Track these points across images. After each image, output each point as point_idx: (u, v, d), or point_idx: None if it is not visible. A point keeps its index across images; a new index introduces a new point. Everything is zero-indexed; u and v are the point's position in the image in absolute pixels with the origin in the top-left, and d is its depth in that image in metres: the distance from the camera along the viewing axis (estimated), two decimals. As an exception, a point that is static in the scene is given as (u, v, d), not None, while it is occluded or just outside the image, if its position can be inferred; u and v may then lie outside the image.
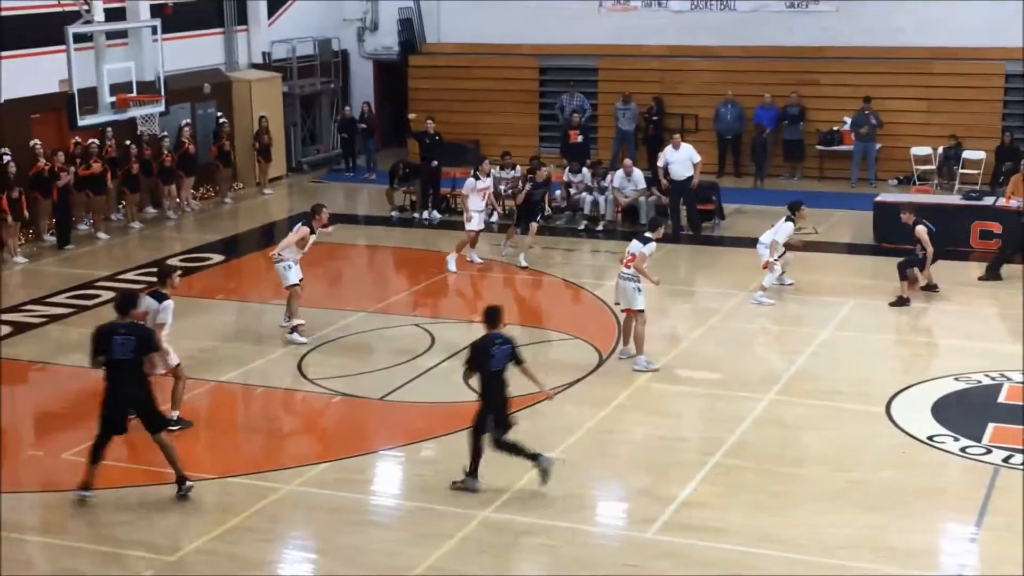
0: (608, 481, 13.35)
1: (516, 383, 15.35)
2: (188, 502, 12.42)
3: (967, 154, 26.70)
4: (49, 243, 23.23)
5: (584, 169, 24.76)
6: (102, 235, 23.80)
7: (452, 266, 20.97)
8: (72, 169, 23.01)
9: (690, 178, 23.10)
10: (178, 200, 25.99)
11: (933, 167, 27.13)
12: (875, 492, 12.61)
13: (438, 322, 18.28)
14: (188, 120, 26.36)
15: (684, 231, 23.36)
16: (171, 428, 14.13)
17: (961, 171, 26.66)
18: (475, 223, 21.09)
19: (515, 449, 12.49)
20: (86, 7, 21.31)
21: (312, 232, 17.30)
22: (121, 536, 11.77)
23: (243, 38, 29.32)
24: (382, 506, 12.78)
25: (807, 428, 14.40)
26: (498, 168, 24.01)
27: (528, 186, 22.09)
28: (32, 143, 22.69)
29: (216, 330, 18.30)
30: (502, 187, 24.11)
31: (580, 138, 27.47)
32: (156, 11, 25.05)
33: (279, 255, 17.32)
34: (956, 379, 15.72)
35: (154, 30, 22.85)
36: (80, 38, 20.58)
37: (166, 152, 25.38)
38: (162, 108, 22.76)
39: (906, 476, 13.01)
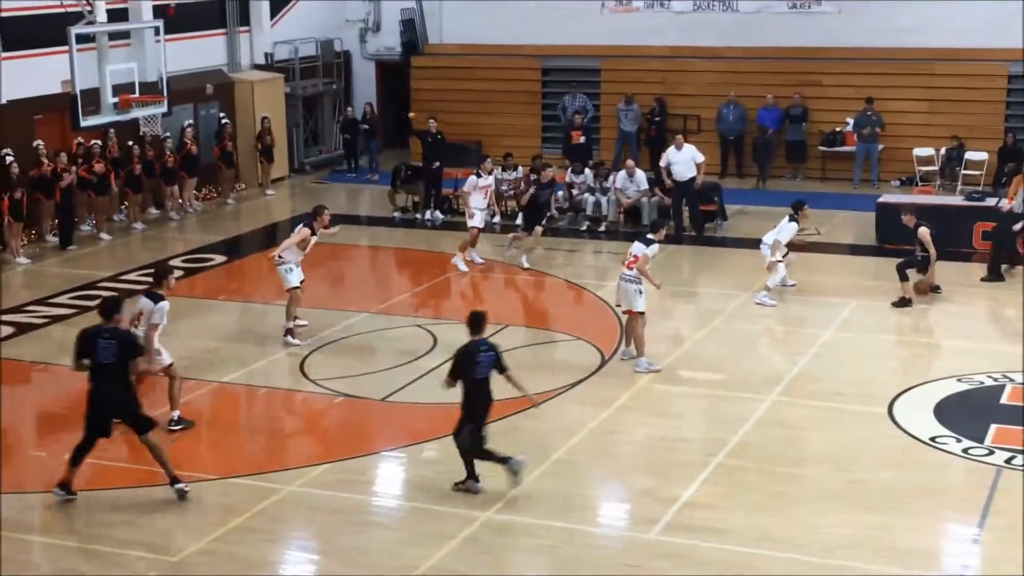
0: (610, 482, 13.35)
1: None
2: (190, 502, 12.42)
3: (969, 155, 26.69)
4: (52, 244, 23.24)
5: (586, 170, 24.76)
6: (104, 236, 23.81)
7: (462, 266, 20.98)
8: (73, 169, 23.02)
9: (693, 179, 23.10)
10: (180, 201, 26.00)
11: (935, 168, 27.11)
12: (876, 493, 12.61)
13: (440, 323, 18.26)
14: (191, 121, 26.36)
15: (687, 232, 23.35)
16: (172, 428, 14.20)
17: (963, 172, 26.66)
18: (477, 220, 21.10)
19: (487, 455, 12.47)
20: (89, 8, 21.35)
21: (313, 233, 17.29)
22: (122, 536, 11.77)
23: (245, 39, 29.32)
24: (384, 507, 12.79)
25: (809, 429, 14.40)
26: (500, 169, 24.02)
27: (533, 187, 22.09)
28: (35, 144, 22.71)
29: (218, 331, 18.32)
30: (503, 188, 24.14)
31: (582, 139, 27.47)
32: (159, 12, 25.14)
33: (280, 257, 17.32)
34: (958, 380, 15.71)
35: (157, 31, 22.93)
36: (83, 39, 20.61)
37: (168, 153, 25.39)
38: (164, 109, 22.81)
39: (908, 477, 13.00)
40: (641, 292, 16.04)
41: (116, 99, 21.12)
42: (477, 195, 21.18)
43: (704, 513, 12.13)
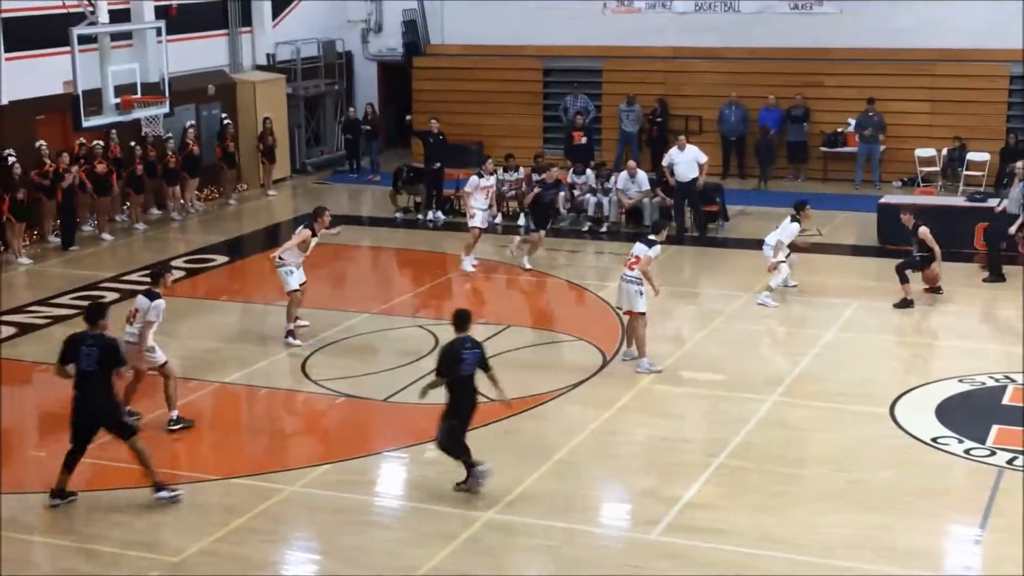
0: (611, 482, 13.35)
1: (518, 387, 15.41)
2: (191, 503, 12.42)
3: (971, 156, 26.68)
4: (54, 244, 23.26)
5: (588, 171, 24.77)
6: (106, 236, 23.83)
7: (468, 267, 20.99)
8: (75, 169, 23.03)
9: (695, 179, 23.10)
10: (182, 201, 26.01)
11: (937, 169, 27.11)
12: (877, 493, 12.61)
13: (442, 324, 18.19)
14: (192, 121, 26.38)
15: (688, 232, 23.35)
16: (172, 428, 14.20)
17: (965, 173, 26.66)
18: (478, 220, 21.10)
19: (460, 454, 12.47)
20: (91, 9, 21.38)
21: (314, 234, 17.29)
22: (122, 536, 11.78)
23: (247, 39, 29.34)
24: (385, 507, 12.79)
25: (811, 430, 14.40)
26: (501, 170, 24.03)
27: (537, 187, 22.11)
28: (37, 144, 22.73)
29: (220, 331, 18.33)
30: (505, 188, 24.14)
31: (584, 140, 27.46)
32: (161, 13, 25.16)
33: (280, 258, 17.32)
34: (960, 381, 15.70)
35: (159, 31, 22.95)
36: (85, 39, 20.64)
37: (170, 153, 25.41)
38: (166, 109, 22.86)
39: (909, 477, 13.00)
40: (642, 293, 16.03)
41: (118, 100, 21.16)
42: (479, 195, 21.19)
43: (705, 513, 12.13)
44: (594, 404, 15.03)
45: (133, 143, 24.60)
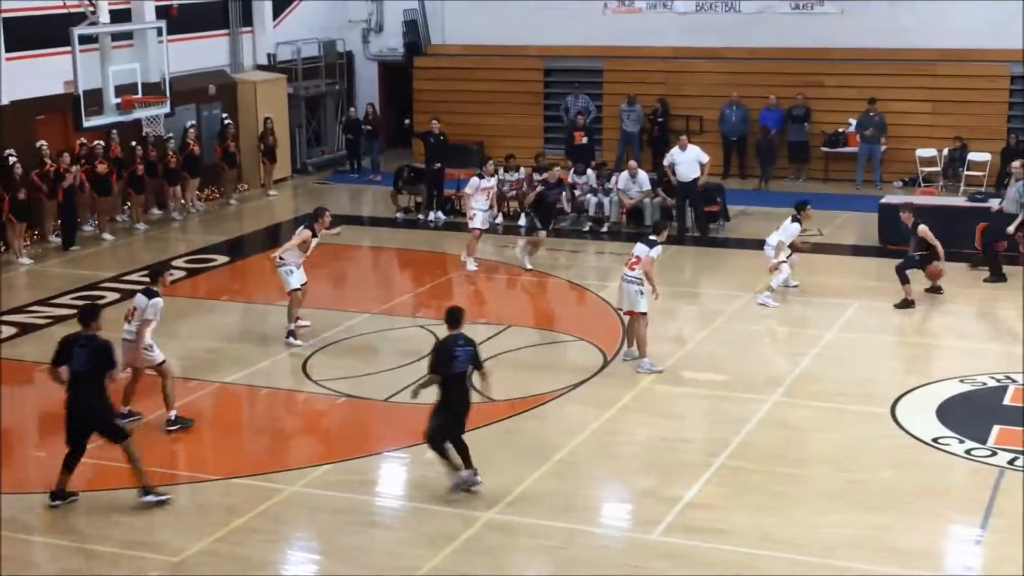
0: (612, 482, 13.35)
1: (519, 386, 15.42)
2: (191, 503, 12.43)
3: (972, 156, 26.68)
4: (54, 244, 23.27)
5: (589, 171, 24.77)
6: (107, 236, 23.83)
7: (472, 267, 20.98)
8: (75, 169, 23.03)
9: (696, 179, 23.10)
10: (183, 201, 26.01)
11: (938, 169, 27.10)
12: (877, 493, 12.60)
13: (442, 324, 18.20)
14: (193, 121, 26.38)
15: (689, 232, 23.35)
16: (170, 428, 14.19)
17: (966, 173, 26.65)
18: (478, 221, 21.09)
19: (442, 453, 12.45)
20: (91, 8, 21.40)
21: (314, 235, 17.29)
22: (123, 536, 11.78)
23: (248, 39, 29.34)
24: (386, 507, 12.79)
25: (811, 430, 14.39)
26: (502, 170, 24.02)
27: (539, 186, 22.09)
28: (38, 144, 22.73)
29: (221, 331, 18.33)
30: (505, 188, 24.13)
31: (585, 140, 27.46)
32: (161, 13, 25.15)
33: (281, 259, 17.33)
34: (961, 381, 15.70)
35: (159, 31, 22.95)
36: (85, 39, 20.65)
37: (171, 153, 25.41)
38: (167, 109, 22.85)
39: (909, 477, 12.99)
40: (642, 293, 16.02)
41: (119, 100, 21.16)
42: (479, 196, 21.19)
43: (706, 514, 12.13)
44: (595, 404, 15.03)
45: (134, 143, 24.60)
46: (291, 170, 29.68)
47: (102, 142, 23.85)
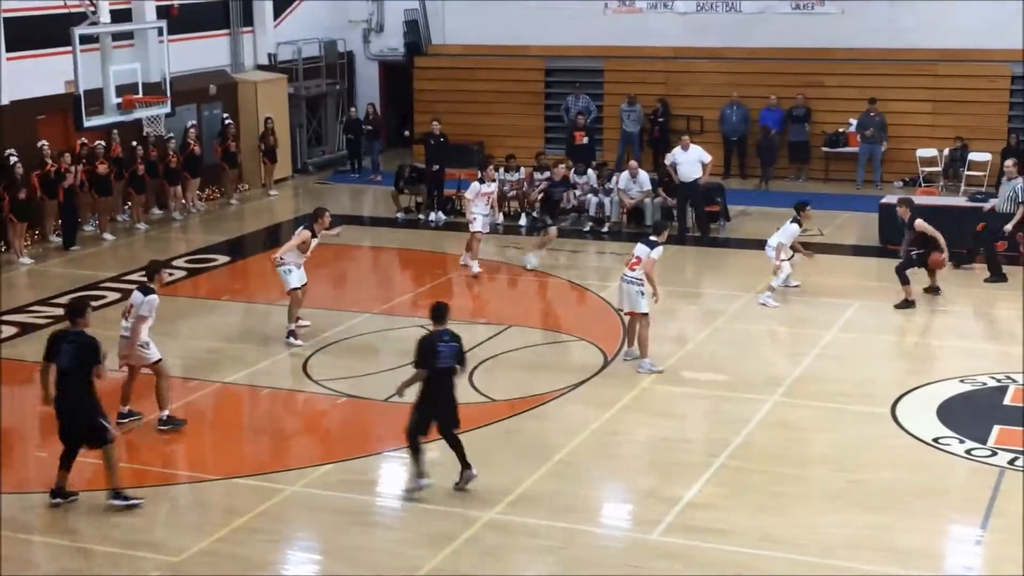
0: (612, 482, 13.35)
1: (519, 386, 15.43)
2: (192, 503, 12.43)
3: (973, 156, 26.68)
4: (55, 244, 23.28)
5: (589, 171, 24.77)
6: (108, 236, 23.83)
7: (475, 268, 20.99)
8: (76, 169, 23.04)
9: (698, 179, 23.10)
10: (184, 201, 26.02)
11: (939, 169, 27.11)
12: (878, 493, 12.60)
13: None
14: (194, 121, 26.39)
15: (690, 232, 23.35)
16: (161, 428, 14.17)
17: (967, 173, 26.66)
18: (479, 224, 21.09)
19: (414, 450, 12.46)
20: (92, 8, 21.40)
21: (314, 235, 17.29)
22: (125, 537, 11.78)
23: (249, 39, 29.34)
24: (387, 507, 12.78)
25: (812, 430, 14.39)
26: (502, 170, 24.02)
27: (544, 184, 22.09)
28: (39, 144, 22.73)
29: (221, 331, 18.33)
30: (506, 188, 24.13)
31: (585, 140, 27.46)
32: (162, 12, 25.16)
33: (281, 259, 17.34)
34: (961, 381, 15.70)
35: (160, 31, 22.95)
36: (86, 39, 20.66)
37: (172, 153, 25.42)
38: (168, 109, 22.86)
39: (910, 478, 12.99)
40: (643, 293, 16.02)
41: (119, 99, 21.18)
42: (479, 201, 21.17)
43: (706, 514, 12.13)
44: (595, 404, 15.03)
45: (134, 143, 24.60)
46: (292, 170, 29.68)
47: (103, 142, 23.86)
